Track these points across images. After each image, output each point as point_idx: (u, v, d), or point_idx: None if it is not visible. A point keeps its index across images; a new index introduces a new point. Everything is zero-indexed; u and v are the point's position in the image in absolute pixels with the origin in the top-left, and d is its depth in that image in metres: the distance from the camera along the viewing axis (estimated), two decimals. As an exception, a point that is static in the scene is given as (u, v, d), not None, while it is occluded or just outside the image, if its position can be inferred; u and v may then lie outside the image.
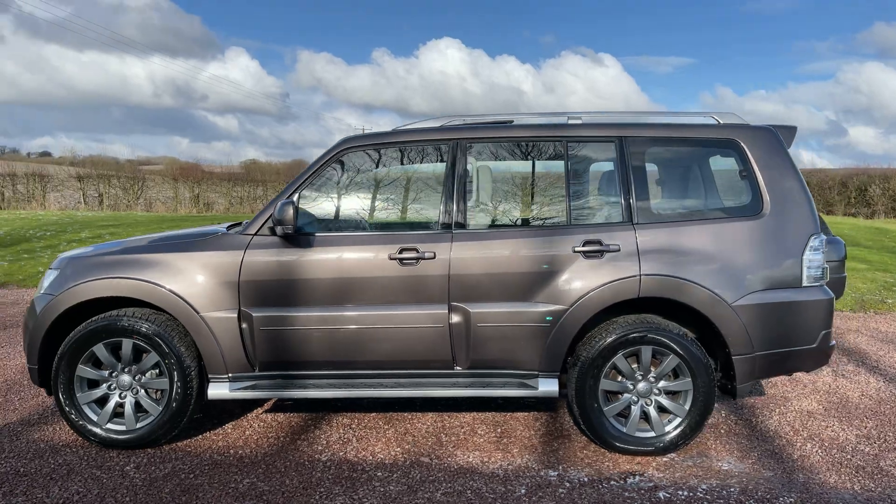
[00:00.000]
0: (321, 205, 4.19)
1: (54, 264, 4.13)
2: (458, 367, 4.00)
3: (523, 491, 3.51)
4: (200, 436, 4.21)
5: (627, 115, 4.28)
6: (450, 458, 3.90)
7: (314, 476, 3.65)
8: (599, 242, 3.90)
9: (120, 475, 3.64)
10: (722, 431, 4.38)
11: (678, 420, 3.94)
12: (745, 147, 4.03)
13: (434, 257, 3.89)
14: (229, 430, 4.31)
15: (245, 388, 3.96)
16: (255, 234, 3.95)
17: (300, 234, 3.95)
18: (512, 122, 4.23)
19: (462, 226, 3.98)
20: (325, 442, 4.13)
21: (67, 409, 3.94)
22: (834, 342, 4.12)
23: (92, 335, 3.90)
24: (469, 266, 3.90)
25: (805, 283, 3.94)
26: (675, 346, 3.84)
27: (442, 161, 4.07)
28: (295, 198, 3.97)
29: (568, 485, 3.58)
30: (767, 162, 4.02)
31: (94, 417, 3.95)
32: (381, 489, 3.50)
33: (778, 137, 4.09)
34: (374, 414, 4.61)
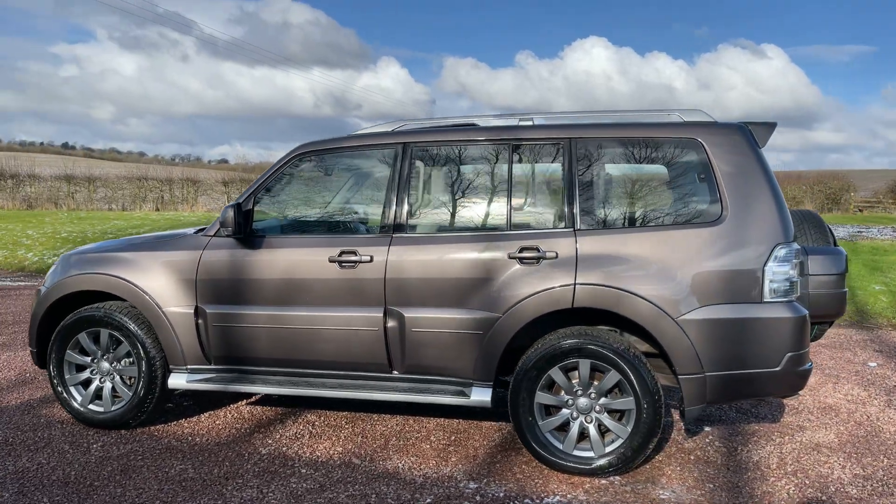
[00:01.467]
0: (275, 208, 4.36)
1: (58, 259, 4.64)
2: (396, 372, 4.00)
3: (429, 500, 3.44)
4: (175, 422, 4.54)
5: (585, 115, 4.05)
6: (382, 462, 3.91)
7: (243, 467, 3.82)
8: (537, 249, 3.73)
9: (83, 451, 4.02)
10: (693, 458, 4.02)
11: (619, 441, 3.67)
12: (706, 147, 3.69)
13: (371, 261, 3.92)
14: (203, 419, 4.60)
15: (200, 381, 4.21)
16: (213, 235, 4.19)
17: (252, 235, 4.15)
18: (475, 125, 4.16)
19: (402, 229, 3.98)
20: (278, 436, 4.29)
21: (59, 389, 4.40)
22: (809, 365, 3.64)
23: (76, 324, 4.33)
24: (405, 270, 3.89)
25: (767, 298, 3.52)
26: (615, 361, 3.59)
27: (389, 165, 4.09)
28: (250, 201, 4.17)
29: (479, 499, 3.46)
30: (731, 163, 3.64)
31: (79, 398, 4.38)
32: (293, 486, 3.59)
33: (747, 136, 3.70)
34: (345, 413, 4.71)
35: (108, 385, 4.37)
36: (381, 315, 3.91)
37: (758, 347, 3.54)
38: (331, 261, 3.96)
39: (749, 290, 3.53)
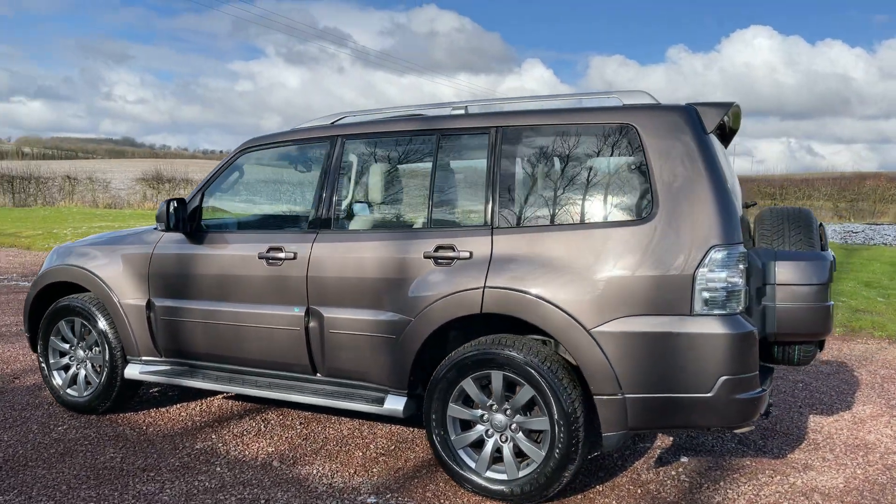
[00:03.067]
0: (225, 204, 4.36)
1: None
2: (319, 375, 3.85)
3: (314, 511, 3.26)
4: (144, 411, 4.68)
5: (521, 101, 3.66)
6: (301, 466, 3.77)
7: (167, 461, 3.84)
8: (452, 248, 3.42)
9: (45, 433, 4.25)
10: (641, 492, 3.49)
11: (534, 466, 3.26)
12: (640, 133, 3.18)
13: (295, 258, 3.80)
14: (172, 410, 4.71)
15: (151, 373, 4.31)
16: (165, 230, 4.26)
17: (199, 231, 4.18)
18: (413, 116, 3.91)
19: (328, 225, 3.82)
20: (224, 432, 4.29)
21: (45, 372, 4.71)
22: (755, 393, 3.01)
23: (57, 313, 4.61)
24: (325, 268, 3.73)
25: (697, 310, 2.97)
26: (529, 375, 3.20)
27: (322, 160, 3.95)
28: (197, 197, 4.21)
29: (365, 514, 3.23)
30: (666, 151, 3.12)
31: (59, 382, 4.65)
32: (196, 483, 3.55)
33: (690, 119, 3.15)
34: (306, 414, 4.62)
35: (82, 372, 4.60)
36: (304, 314, 3.77)
37: (685, 368, 2.99)
38: (259, 257, 3.89)
39: (676, 300, 3.00)
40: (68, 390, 4.63)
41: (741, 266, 3.00)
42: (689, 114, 3.16)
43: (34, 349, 4.84)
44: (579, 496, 3.44)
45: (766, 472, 3.77)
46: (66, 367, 4.67)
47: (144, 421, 4.50)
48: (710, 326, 2.95)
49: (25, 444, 4.07)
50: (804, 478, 3.69)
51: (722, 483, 3.61)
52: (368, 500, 3.38)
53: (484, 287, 3.28)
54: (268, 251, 3.87)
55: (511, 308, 3.23)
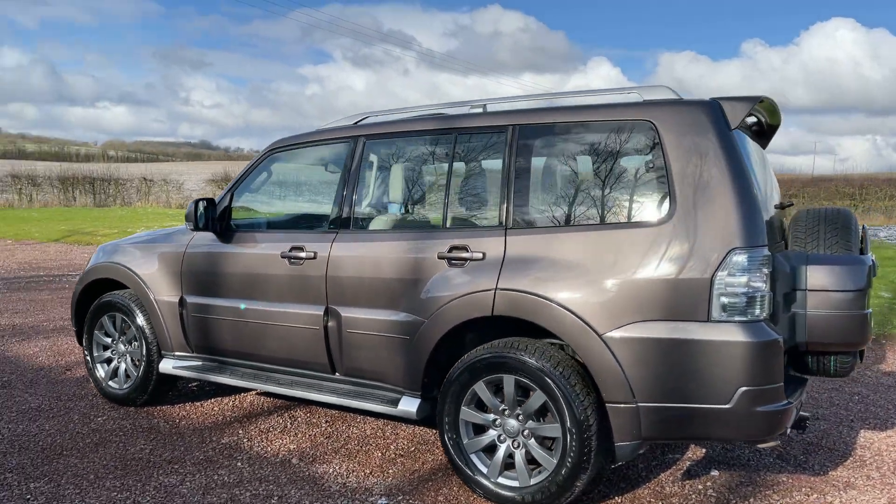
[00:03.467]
0: (252, 202, 4.43)
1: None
2: (338, 374, 3.86)
3: (324, 510, 3.27)
4: (180, 404, 4.82)
5: (538, 98, 3.56)
6: (319, 465, 3.79)
7: (192, 454, 3.92)
8: (466, 248, 3.37)
9: (84, 423, 4.41)
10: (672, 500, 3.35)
11: (545, 474, 3.17)
12: (659, 130, 3.05)
13: (315, 257, 3.82)
14: (206, 405, 4.83)
15: (183, 367, 4.42)
16: (193, 229, 4.36)
17: (228, 230, 4.26)
18: (435, 115, 3.87)
19: (347, 225, 3.82)
20: (251, 428, 4.36)
21: (89, 365, 4.91)
22: (780, 406, 2.83)
23: (100, 308, 4.80)
24: (344, 268, 3.73)
25: (715, 316, 2.82)
26: (541, 380, 3.11)
27: (343, 160, 3.96)
28: (227, 197, 4.29)
29: (374, 516, 3.21)
30: (687, 149, 2.97)
31: (102, 374, 4.84)
32: (215, 476, 3.61)
33: (714, 115, 2.99)
34: (333, 412, 4.65)
35: (122, 365, 4.77)
36: (322, 314, 3.79)
37: (702, 377, 2.84)
38: (282, 256, 3.94)
39: (693, 306, 2.85)
40: (110, 382, 4.81)
41: (765, 270, 2.83)
42: (712, 109, 3.00)
43: (80, 342, 5.05)
44: (596, 507, 3.33)
45: (803, 489, 3.55)
46: (108, 360, 4.86)
47: (178, 414, 4.62)
48: (729, 333, 2.79)
49: (65, 433, 4.24)
50: (843, 497, 3.46)
51: (752, 500, 3.42)
52: (379, 502, 3.36)
53: (496, 289, 3.21)
54: (290, 250, 3.91)
55: (522, 311, 3.15)
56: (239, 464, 3.81)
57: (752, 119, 3.64)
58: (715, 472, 3.74)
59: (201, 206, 4.12)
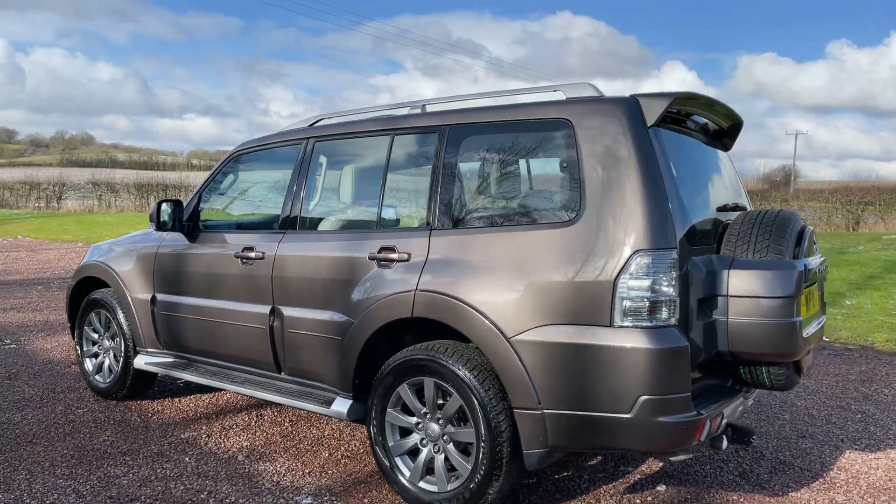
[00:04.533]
0: (218, 204, 4.54)
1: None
2: (283, 374, 3.90)
3: (246, 506, 3.30)
4: (159, 399, 4.97)
5: (473, 98, 3.50)
6: (262, 463, 3.83)
7: (148, 447, 4.05)
8: (394, 249, 3.35)
9: (65, 413, 4.62)
10: (589, 518, 3.21)
11: (460, 480, 3.11)
12: (574, 128, 2.95)
13: (263, 257, 3.89)
14: (183, 401, 4.96)
15: (154, 364, 4.57)
16: (156, 230, 4.50)
17: (193, 231, 4.39)
18: (383, 117, 3.86)
19: (293, 226, 3.87)
20: (216, 424, 4.46)
21: (79, 359, 5.14)
22: (684, 417, 2.67)
23: (88, 305, 5.03)
24: (287, 268, 3.78)
25: (617, 321, 2.70)
26: (457, 383, 3.05)
27: (295, 161, 4.01)
28: (195, 198, 4.43)
29: (291, 514, 3.22)
30: (598, 147, 2.87)
31: (90, 368, 5.06)
32: (157, 470, 3.71)
33: (630, 112, 2.87)
34: (301, 413, 4.69)
35: (106, 360, 4.98)
36: (268, 313, 3.85)
37: (604, 385, 2.72)
38: (235, 256, 4.02)
39: (595, 309, 2.73)
40: (96, 376, 5.02)
41: (672, 274, 2.69)
42: (628, 106, 2.88)
43: (73, 337, 5.30)
44: (518, 517, 3.23)
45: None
46: (95, 355, 5.08)
47: (153, 409, 4.78)
48: (629, 339, 2.66)
49: (43, 423, 4.46)
50: (795, 520, 3.23)
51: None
52: (304, 501, 3.37)
53: (415, 290, 3.18)
54: (242, 250, 3.99)
55: (437, 312, 3.10)
56: (186, 458, 3.90)
57: (700, 119, 3.48)
58: (661, 487, 3.57)
59: (164, 206, 4.26)
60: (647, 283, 2.67)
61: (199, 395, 5.09)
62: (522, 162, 3.19)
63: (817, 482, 3.68)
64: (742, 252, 2.98)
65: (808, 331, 3.02)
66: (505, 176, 3.24)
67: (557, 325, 2.80)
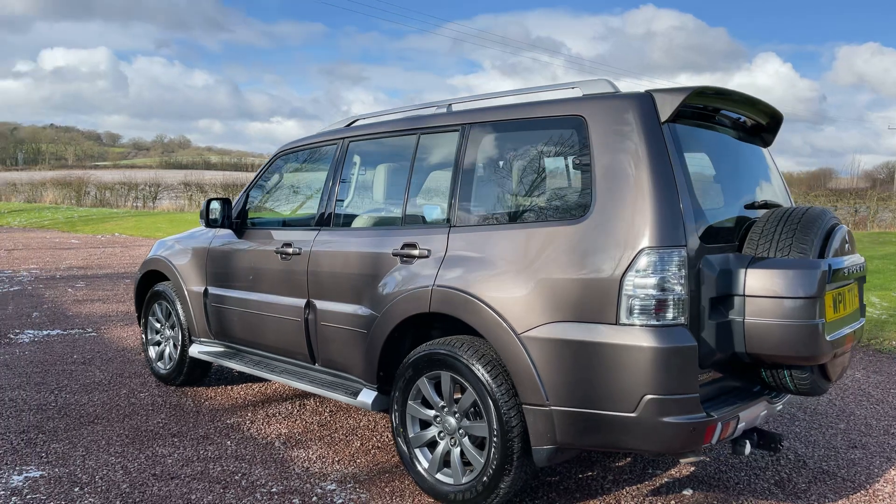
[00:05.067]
0: (265, 202, 4.74)
1: (158, 242, 5.75)
2: (317, 364, 4.05)
3: (274, 489, 3.46)
4: (216, 386, 5.25)
5: (495, 96, 3.52)
6: (296, 449, 4.00)
7: (196, 431, 4.29)
8: (415, 246, 3.43)
9: (128, 396, 4.96)
10: (606, 517, 3.19)
11: (474, 474, 3.16)
12: (588, 125, 2.94)
13: (300, 253, 4.05)
14: (238, 388, 5.22)
15: (205, 353, 4.83)
16: (205, 226, 4.75)
17: (241, 227, 4.62)
18: (409, 116, 3.94)
19: (328, 223, 4.02)
20: (262, 411, 4.67)
21: (144, 346, 5.50)
22: (692, 418, 2.61)
23: (152, 297, 5.37)
24: (321, 263, 3.93)
25: (623, 319, 2.67)
26: (472, 377, 3.10)
27: (330, 161, 4.15)
28: (243, 197, 4.66)
29: (314, 500, 3.35)
30: (610, 144, 2.85)
31: (153, 355, 5.40)
32: (200, 451, 3.93)
33: (644, 108, 2.83)
34: (340, 404, 4.85)
35: (167, 348, 5.30)
36: (304, 306, 4.01)
37: (609, 383, 2.69)
38: (276, 251, 4.21)
39: (602, 307, 2.72)
40: (157, 363, 5.36)
41: (681, 272, 2.64)
42: (642, 102, 2.84)
43: (140, 326, 5.67)
44: (534, 513, 3.24)
45: (780, 518, 3.22)
46: (158, 343, 5.41)
47: (207, 395, 5.06)
48: (634, 338, 2.63)
49: (107, 404, 4.81)
50: (824, 532, 3.10)
51: (710, 522, 3.16)
52: (328, 487, 3.51)
53: (433, 285, 3.25)
54: (282, 246, 4.17)
55: (452, 307, 3.16)
56: (228, 442, 4.11)
57: (732, 115, 3.38)
58: (688, 492, 3.49)
59: (213, 204, 4.51)
60: (653, 280, 2.63)
61: (249, 384, 5.34)
62: (538, 159, 3.20)
63: (858, 494, 3.50)
64: (764, 251, 2.88)
65: (837, 334, 2.89)
66: (521, 173, 3.26)
67: (566, 322, 2.80)
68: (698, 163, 3.10)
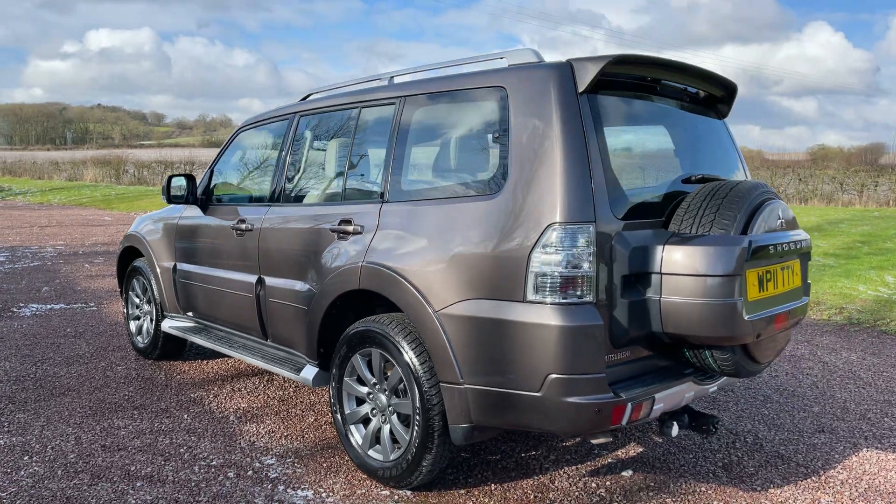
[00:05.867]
0: (225, 178, 4.74)
1: (138, 218, 5.83)
2: (269, 341, 4.06)
3: (214, 462, 3.50)
4: (192, 361, 5.33)
5: (433, 68, 3.43)
6: (249, 424, 4.03)
7: (157, 404, 4.37)
8: (350, 222, 3.40)
9: (105, 370, 5.07)
10: (535, 499, 3.14)
11: (400, 451, 3.14)
12: (509, 96, 2.84)
13: (251, 229, 4.06)
14: (213, 363, 5.29)
15: (174, 328, 4.90)
16: (184, 202, 4.79)
17: (206, 203, 4.64)
18: (352, 90, 3.88)
19: (278, 199, 4.00)
20: (230, 386, 4.72)
21: (126, 321, 5.61)
22: (596, 399, 2.53)
23: (131, 273, 5.46)
24: (269, 239, 3.93)
25: (530, 296, 2.60)
26: (397, 354, 3.07)
27: (282, 136, 4.13)
28: (207, 173, 4.68)
29: (250, 473, 3.38)
30: (527, 115, 2.76)
31: (133, 329, 5.51)
32: (155, 424, 4.00)
33: (563, 78, 2.73)
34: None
35: (145, 323, 5.40)
36: (255, 282, 4.02)
37: (516, 361, 2.63)
38: (232, 228, 4.22)
39: (511, 284, 2.65)
40: (137, 337, 5.47)
41: (589, 249, 2.55)
42: (560, 72, 2.73)
43: (122, 300, 5.79)
44: (462, 491, 3.21)
45: (714, 503, 3.12)
46: (137, 318, 5.52)
47: (182, 369, 5.14)
48: (539, 316, 2.56)
49: (83, 377, 4.92)
50: (757, 517, 3.00)
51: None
52: (267, 461, 3.53)
53: (363, 262, 3.21)
54: (237, 222, 4.18)
55: (377, 284, 3.12)
56: (185, 416, 4.18)
57: (678, 86, 3.23)
58: (627, 473, 3.41)
59: (173, 181, 4.54)
60: (559, 257, 2.54)
61: (224, 359, 5.41)
62: (464, 132, 3.12)
63: (809, 480, 3.37)
64: (687, 227, 2.76)
65: (763, 314, 2.76)
66: (447, 147, 3.19)
67: (479, 299, 2.74)
68: (631, 135, 2.98)
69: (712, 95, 3.43)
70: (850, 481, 3.36)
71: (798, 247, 2.97)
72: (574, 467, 3.48)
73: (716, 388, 3.10)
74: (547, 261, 2.56)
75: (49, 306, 7.34)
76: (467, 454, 3.61)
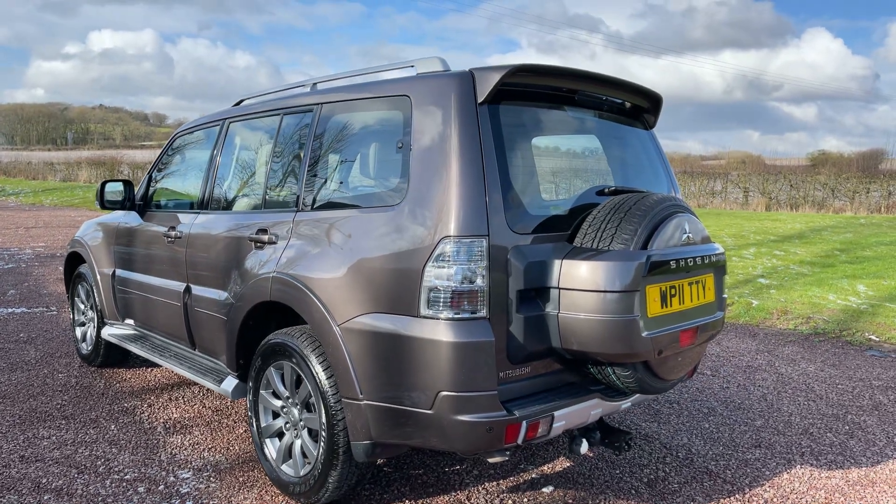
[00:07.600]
0: (161, 184, 4.67)
1: (86, 224, 5.76)
2: (197, 350, 4.00)
3: (128, 476, 3.43)
4: (130, 368, 5.26)
5: (350, 76, 3.36)
6: (177, 435, 3.96)
7: (90, 412, 4.30)
8: (266, 231, 3.33)
9: (45, 377, 5.00)
10: (446, 515, 3.07)
11: (309, 467, 3.06)
12: (412, 106, 2.77)
13: (181, 236, 3.99)
14: (154, 371, 5.23)
15: (114, 335, 4.83)
16: (121, 208, 4.72)
17: (144, 209, 4.58)
18: (275, 97, 3.83)
19: (205, 206, 3.94)
20: (170, 396, 4.65)
21: (72, 327, 5.54)
22: (491, 417, 2.46)
23: (76, 278, 5.40)
24: (196, 247, 3.87)
25: (422, 311, 2.53)
26: (306, 368, 3.00)
27: (212, 143, 4.07)
28: (145, 179, 4.61)
29: (162, 488, 3.31)
30: (427, 125, 2.68)
31: (78, 336, 5.44)
32: (81, 435, 3.93)
33: (463, 87, 2.65)
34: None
35: (88, 330, 5.33)
36: (183, 291, 3.95)
37: (409, 377, 2.56)
38: (164, 235, 4.16)
39: (406, 298, 2.58)
40: (81, 344, 5.40)
41: (481, 263, 2.47)
42: (461, 81, 2.66)
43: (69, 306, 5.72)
44: (375, 508, 3.14)
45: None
46: (83, 324, 5.45)
47: (123, 377, 5.07)
48: (430, 331, 2.48)
49: (22, 384, 4.85)
50: (669, 537, 2.92)
51: (552, 524, 3.01)
52: (182, 475, 3.46)
53: (273, 273, 3.14)
54: (168, 230, 4.12)
55: (286, 297, 3.05)
56: (113, 426, 4.11)
57: (597, 96, 3.16)
58: (548, 489, 3.34)
59: (108, 187, 4.49)
60: (451, 271, 2.47)
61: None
62: (371, 142, 3.06)
63: (732, 498, 3.29)
64: (590, 241, 2.68)
65: (665, 330, 2.68)
66: (355, 156, 3.12)
67: (378, 313, 2.67)
68: (543, 146, 2.91)
69: (638, 106, 3.36)
70: (774, 500, 3.29)
71: (710, 261, 2.89)
72: (495, 483, 3.40)
73: (629, 403, 3.02)
74: (439, 275, 2.49)
75: (10, 310, 7.27)
76: (390, 469, 3.54)
